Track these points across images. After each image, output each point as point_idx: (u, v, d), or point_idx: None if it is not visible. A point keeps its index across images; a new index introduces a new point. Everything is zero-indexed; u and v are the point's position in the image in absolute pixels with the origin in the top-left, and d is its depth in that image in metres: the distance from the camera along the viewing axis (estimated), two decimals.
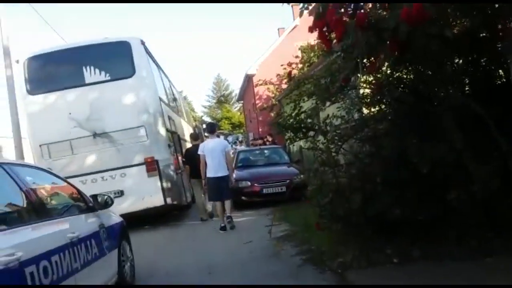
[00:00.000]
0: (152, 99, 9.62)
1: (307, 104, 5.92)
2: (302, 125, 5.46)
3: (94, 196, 4.62)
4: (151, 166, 9.30)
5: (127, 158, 9.31)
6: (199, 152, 8.57)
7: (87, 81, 9.34)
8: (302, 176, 9.75)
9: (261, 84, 25.56)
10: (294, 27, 25.68)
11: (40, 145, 9.19)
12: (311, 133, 5.53)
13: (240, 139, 35.99)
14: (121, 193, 9.27)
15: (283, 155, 12.78)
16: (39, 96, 9.24)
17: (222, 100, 64.27)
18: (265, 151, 13.49)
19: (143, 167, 9.33)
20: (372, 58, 4.36)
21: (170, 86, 14.32)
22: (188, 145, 14.78)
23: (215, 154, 8.31)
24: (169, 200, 9.46)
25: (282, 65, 22.25)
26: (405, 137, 4.92)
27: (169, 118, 10.92)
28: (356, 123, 5.30)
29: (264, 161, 12.56)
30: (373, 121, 5.51)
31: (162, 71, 12.65)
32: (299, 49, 23.30)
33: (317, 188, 5.03)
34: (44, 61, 9.48)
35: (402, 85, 5.37)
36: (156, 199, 9.33)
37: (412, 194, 4.89)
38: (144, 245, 7.30)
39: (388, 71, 5.32)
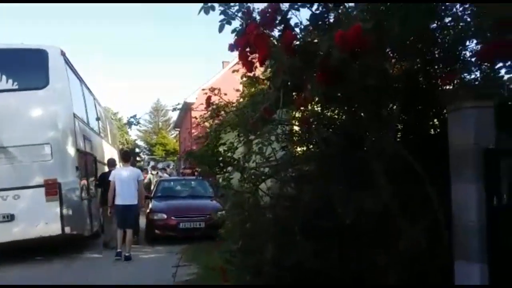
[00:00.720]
0: (64, 114, 8.56)
1: (229, 136, 5.29)
2: (220, 159, 4.77)
3: None
4: (52, 189, 8.14)
5: (25, 177, 8.12)
6: (110, 179, 8.53)
7: None
8: (223, 212, 9.20)
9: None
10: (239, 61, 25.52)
11: None
12: (229, 168, 4.84)
13: (171, 166, 34.74)
14: (11, 218, 8.00)
15: (208, 187, 11.96)
16: None
17: (159, 126, 62.70)
18: (190, 182, 12.60)
19: (42, 190, 8.15)
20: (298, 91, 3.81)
21: (95, 104, 13.20)
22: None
23: (126, 182, 8.30)
24: (68, 229, 8.27)
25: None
26: (331, 182, 4.38)
27: (84, 138, 9.83)
28: (278, 162, 4.69)
29: (187, 193, 11.68)
30: (299, 161, 4.95)
31: (86, 86, 11.57)
32: (240, 83, 22.92)
33: (228, 231, 4.31)
34: None
35: (332, 125, 4.87)
36: (52, 227, 8.14)
37: (334, 246, 4.33)
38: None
39: (318, 108, 4.83)
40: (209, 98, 4.78)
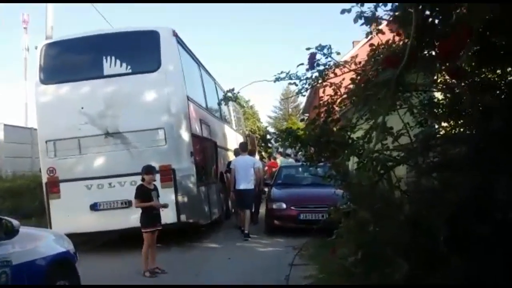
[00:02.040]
0: (177, 97, 8.20)
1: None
2: (331, 139, 3.64)
3: None
4: (167, 175, 7.85)
5: (140, 164, 7.91)
6: (230, 167, 9.76)
7: (105, 73, 8.13)
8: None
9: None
10: (370, 37, 23.65)
11: (46, 141, 8.10)
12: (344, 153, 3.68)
13: (300, 152, 34.10)
14: (128, 204, 7.90)
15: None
16: (52, 86, 8.18)
17: (289, 112, 62.77)
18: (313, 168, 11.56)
19: (157, 176, 7.89)
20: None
21: (216, 88, 12.93)
22: (232, 154, 13.43)
23: (244, 169, 9.25)
24: (183, 218, 7.94)
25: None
26: (493, 171, 2.98)
27: (201, 122, 9.45)
28: (414, 143, 3.39)
29: (310, 181, 10.66)
30: (444, 141, 3.57)
31: (205, 70, 11.26)
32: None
33: (341, 237, 3.22)
34: (62, 49, 8.45)
35: (496, 90, 3.39)
36: (167, 215, 7.83)
37: (498, 262, 2.95)
38: None
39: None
40: (312, 56, 3.63)
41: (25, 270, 3.22)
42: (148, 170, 6.58)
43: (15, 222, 3.06)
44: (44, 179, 8.14)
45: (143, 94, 8.04)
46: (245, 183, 9.10)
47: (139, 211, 7.90)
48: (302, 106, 54.84)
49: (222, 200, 10.88)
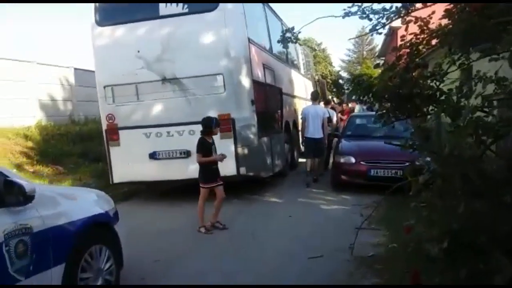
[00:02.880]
0: (237, 39, 7.48)
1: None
2: (415, 91, 2.80)
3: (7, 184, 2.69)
4: (226, 125, 7.34)
5: (199, 112, 7.45)
6: (300, 116, 10.07)
7: (161, 13, 7.56)
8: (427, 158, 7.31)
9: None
10: None
11: (104, 87, 7.84)
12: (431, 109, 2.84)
13: None
14: (187, 154, 7.58)
15: (410, 127, 9.72)
16: (108, 28, 7.76)
17: (363, 55, 59.60)
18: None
19: None
20: None
21: (282, 29, 11.95)
22: (299, 101, 12.66)
23: (313, 118, 9.30)
24: (243, 170, 7.48)
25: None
26: None
27: (265, 67, 8.72)
28: None
29: (383, 133, 9.68)
30: None
31: (270, 9, 10.33)
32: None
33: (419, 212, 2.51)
34: None
35: None
36: (227, 167, 7.40)
37: None
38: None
39: None
40: None
41: (50, 237, 2.87)
42: (218, 123, 6.18)
43: (28, 186, 2.66)
44: (104, 126, 7.98)
45: (200, 36, 7.42)
46: (314, 132, 9.25)
47: (196, 162, 7.57)
48: (378, 49, 51.72)
49: (287, 151, 10.29)
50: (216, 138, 7.39)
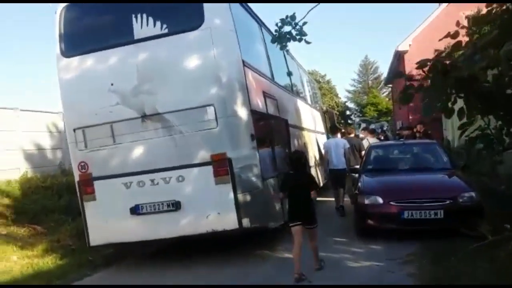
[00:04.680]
0: (229, 61, 6.20)
1: None
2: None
3: None
4: (221, 167, 5.96)
5: (187, 153, 6.14)
6: (322, 149, 10.43)
7: (136, 37, 6.33)
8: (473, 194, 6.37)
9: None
10: None
11: (74, 129, 6.51)
12: None
13: (385, 127, 30.86)
14: (176, 206, 6.13)
15: (442, 155, 8.23)
16: (75, 59, 6.51)
17: (369, 85, 58.65)
18: (413, 148, 9.03)
19: (209, 169, 6.03)
20: None
21: (285, 56, 10.75)
22: (308, 134, 11.34)
23: (336, 150, 9.34)
24: (246, 222, 5.98)
25: (441, 40, 16.89)
26: None
27: (265, 96, 7.38)
28: None
29: (410, 164, 8.20)
30: None
31: (266, 29, 9.07)
32: (465, 17, 17.77)
33: None
34: (85, 11, 6.74)
35: None
36: (226, 219, 5.99)
37: None
38: None
39: None
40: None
41: None
42: None
43: None
44: (76, 177, 6.62)
45: (184, 60, 6.14)
46: (340, 164, 9.24)
47: (190, 215, 6.17)
48: (383, 77, 50.64)
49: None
50: (210, 184, 6.02)
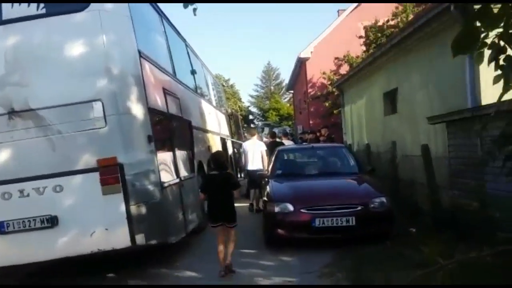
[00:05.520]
0: (121, 50, 5.28)
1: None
2: None
3: None
4: (109, 174, 5.01)
5: (67, 157, 5.08)
6: (241, 151, 10.91)
7: (4, 17, 5.15)
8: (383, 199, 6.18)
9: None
10: (358, 5, 21.11)
11: None
12: None
13: (288, 131, 31.35)
14: (52, 222, 5.03)
15: (350, 159, 8.05)
16: None
17: (271, 90, 59.76)
18: (322, 152, 8.75)
19: (95, 176, 5.04)
20: None
21: (188, 53, 9.98)
22: (213, 137, 10.66)
23: (253, 151, 9.79)
24: (140, 239, 5.09)
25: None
26: None
27: (166, 92, 6.53)
28: None
29: (319, 169, 7.89)
30: None
31: (171, 25, 8.26)
32: (364, 27, 18.55)
33: None
34: None
35: None
36: (115, 236, 5.04)
37: None
38: None
39: None
40: None
41: None
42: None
43: None
44: None
45: (65, 47, 5.10)
46: (256, 164, 9.60)
47: (70, 232, 5.15)
48: (285, 83, 51.87)
49: None
50: (96, 194, 5.04)
